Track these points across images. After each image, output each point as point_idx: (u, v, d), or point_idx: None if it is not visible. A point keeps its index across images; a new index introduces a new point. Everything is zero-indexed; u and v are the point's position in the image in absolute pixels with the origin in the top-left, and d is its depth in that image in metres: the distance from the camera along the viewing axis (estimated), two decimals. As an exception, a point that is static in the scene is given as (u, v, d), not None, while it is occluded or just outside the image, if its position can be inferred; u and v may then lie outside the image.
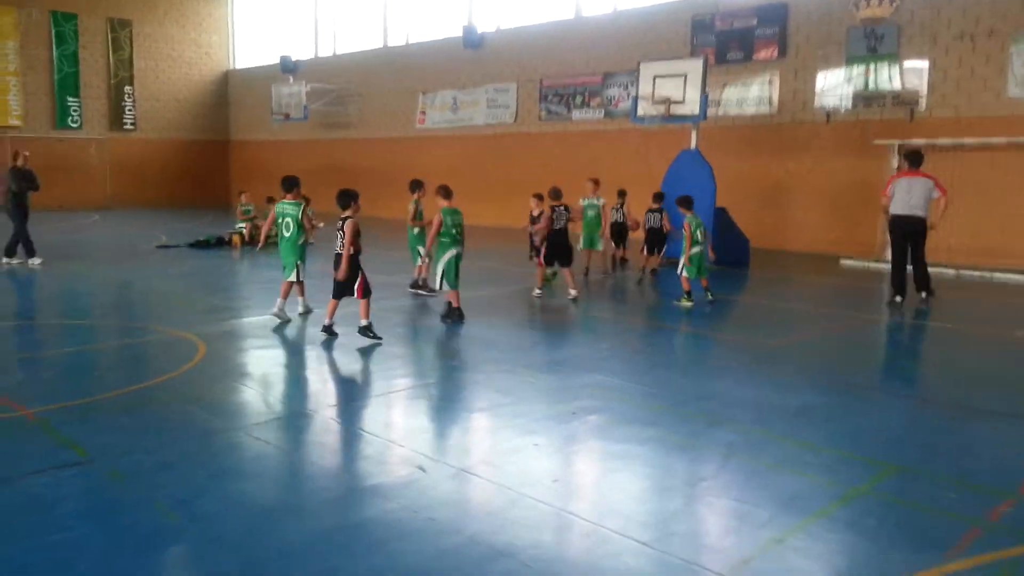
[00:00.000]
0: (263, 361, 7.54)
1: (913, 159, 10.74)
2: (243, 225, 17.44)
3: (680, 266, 10.29)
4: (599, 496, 4.38)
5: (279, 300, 9.00)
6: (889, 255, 11.21)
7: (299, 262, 9.01)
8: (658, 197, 12.92)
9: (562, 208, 10.70)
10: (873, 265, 14.20)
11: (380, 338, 7.95)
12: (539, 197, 11.52)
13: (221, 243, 17.06)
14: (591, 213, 12.85)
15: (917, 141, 14.83)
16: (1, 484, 4.43)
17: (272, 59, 30.79)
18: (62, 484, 4.44)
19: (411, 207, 11.02)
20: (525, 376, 6.82)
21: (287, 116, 28.21)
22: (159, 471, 4.66)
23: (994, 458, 5.02)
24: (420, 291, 10.74)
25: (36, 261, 13.47)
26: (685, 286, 10.22)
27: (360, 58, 27.51)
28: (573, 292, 10.47)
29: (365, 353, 7.81)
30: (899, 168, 11.62)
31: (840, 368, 7.56)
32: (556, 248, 10.55)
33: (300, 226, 8.95)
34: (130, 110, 31.06)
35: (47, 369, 7.21)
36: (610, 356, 7.71)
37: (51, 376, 6.97)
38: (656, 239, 12.73)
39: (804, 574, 3.55)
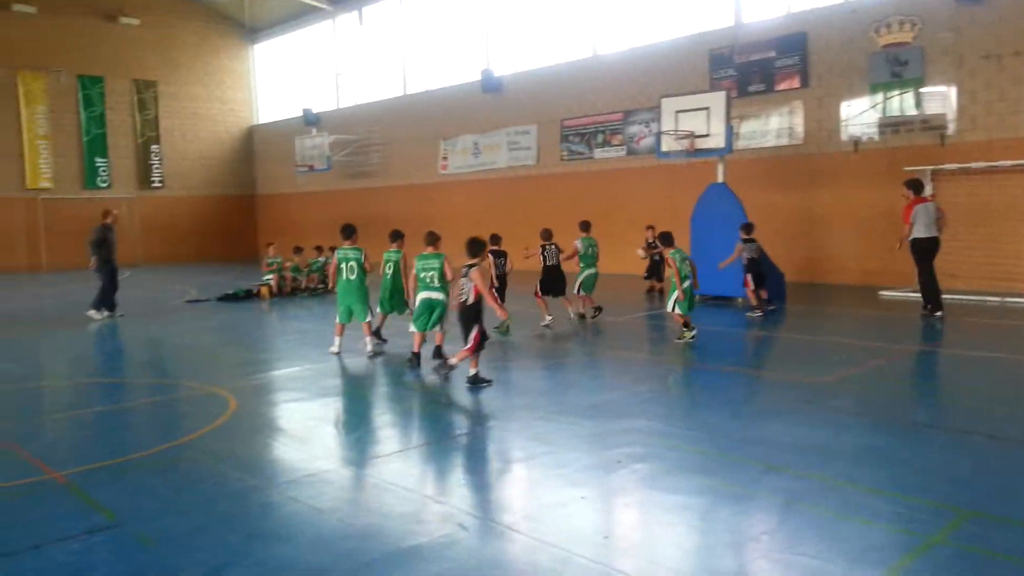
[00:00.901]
0: (295, 415, 7.37)
1: (917, 187, 12.13)
2: (270, 277, 17.44)
3: (671, 303, 10.16)
4: (655, 554, 4.09)
5: (336, 339, 9.93)
6: (919, 277, 12.22)
7: (366, 303, 9.87)
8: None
9: (552, 246, 12.23)
10: (913, 295, 13.81)
11: (490, 382, 7.95)
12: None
13: (249, 295, 17.06)
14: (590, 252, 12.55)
15: (950, 166, 14.58)
16: (32, 551, 4.27)
17: (295, 112, 31.24)
18: (92, 551, 4.27)
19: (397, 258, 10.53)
20: (562, 423, 6.57)
21: (311, 168, 28.49)
22: (191, 535, 4.47)
23: (1076, 498, 4.68)
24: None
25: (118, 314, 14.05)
26: (679, 321, 10.21)
27: (381, 107, 27.81)
28: (572, 312, 12.10)
29: (398, 403, 7.62)
30: (908, 196, 12.07)
31: (895, 404, 7.22)
32: (550, 282, 12.09)
33: (363, 269, 9.86)
34: (157, 168, 31.56)
35: (78, 429, 7.09)
36: (650, 399, 7.44)
37: (82, 437, 6.84)
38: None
39: (889, 637, 3.24)
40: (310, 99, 30.91)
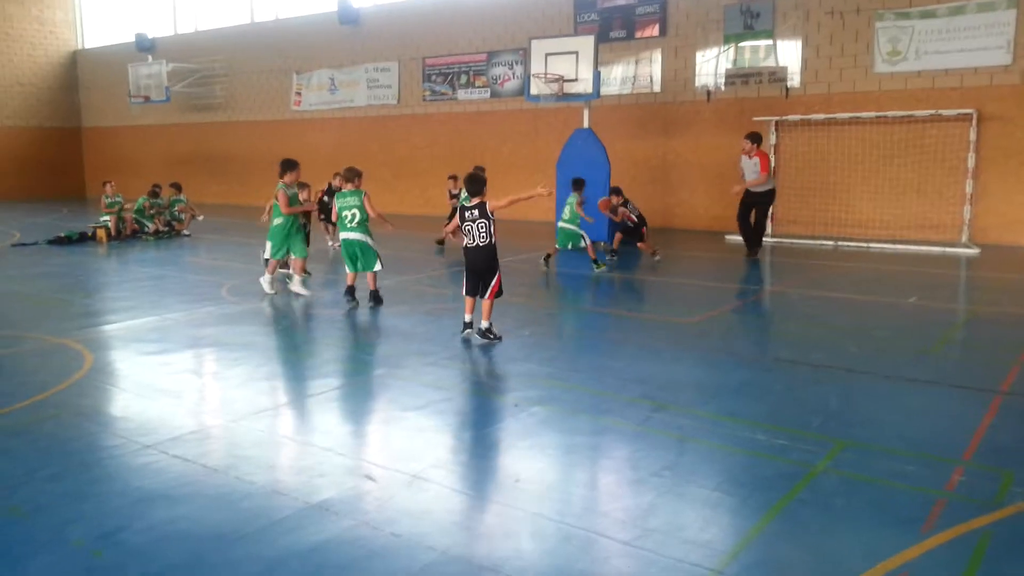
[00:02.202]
0: (162, 368, 6.88)
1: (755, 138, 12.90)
2: (108, 218, 16.07)
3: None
4: (568, 495, 4.18)
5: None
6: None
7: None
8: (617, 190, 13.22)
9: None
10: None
11: (500, 338, 7.34)
12: (454, 178, 12.23)
13: (84, 238, 15.69)
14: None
15: (792, 117, 15.53)
16: None
17: (127, 37, 28.58)
18: (-49, 529, 3.83)
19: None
20: (454, 369, 6.54)
21: (147, 99, 26.31)
22: (69, 501, 4.11)
23: (931, 426, 5.20)
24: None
25: None
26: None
27: (226, 34, 25.95)
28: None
29: (280, 353, 7.31)
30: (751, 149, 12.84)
31: (759, 343, 7.73)
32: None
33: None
34: (-36, 94, 28.11)
35: (-95, 392, 6.29)
36: (535, 343, 7.54)
37: (-88, 400, 6.08)
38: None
39: (794, 563, 3.50)
40: (143, 23, 28.35)
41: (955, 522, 3.76)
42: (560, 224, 12.17)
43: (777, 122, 15.76)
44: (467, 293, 7.47)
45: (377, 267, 9.01)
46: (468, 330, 7.42)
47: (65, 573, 3.46)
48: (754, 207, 13.09)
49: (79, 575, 3.44)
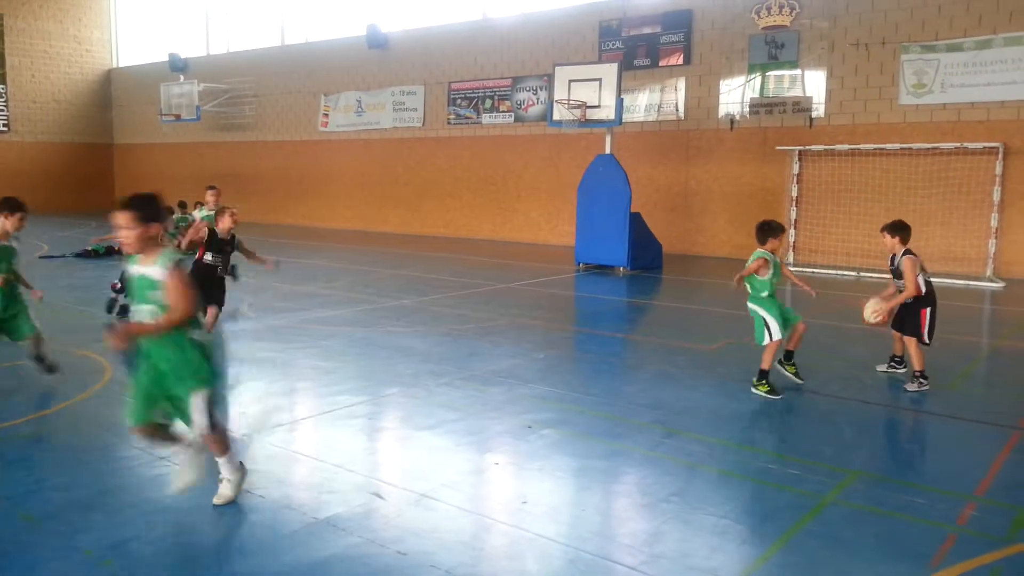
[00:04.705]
0: (181, 381, 6.97)
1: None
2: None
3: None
4: (575, 518, 4.18)
5: None
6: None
7: None
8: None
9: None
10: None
11: None
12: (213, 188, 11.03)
13: (110, 252, 15.94)
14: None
15: (816, 147, 15.51)
16: None
17: (160, 57, 29.21)
18: (-32, 533, 3.89)
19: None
20: (468, 389, 6.57)
21: (178, 117, 26.82)
22: (82, 510, 4.17)
23: (945, 459, 5.14)
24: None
25: None
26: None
27: (256, 56, 26.45)
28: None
29: (298, 369, 7.37)
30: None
31: (776, 371, 7.66)
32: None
33: None
34: (2, 110, 28.79)
35: (-70, 398, 6.42)
36: (549, 366, 7.55)
37: (-63, 406, 6.21)
38: None
39: (799, 591, 3.47)
40: (177, 43, 28.97)
41: (965, 557, 3.71)
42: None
43: (800, 152, 15.74)
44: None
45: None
46: None
47: (74, 580, 3.51)
48: None
49: (88, 583, 3.49)
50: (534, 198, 19.81)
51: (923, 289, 6.82)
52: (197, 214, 12.27)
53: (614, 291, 12.52)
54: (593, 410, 6.01)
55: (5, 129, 28.93)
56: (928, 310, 6.88)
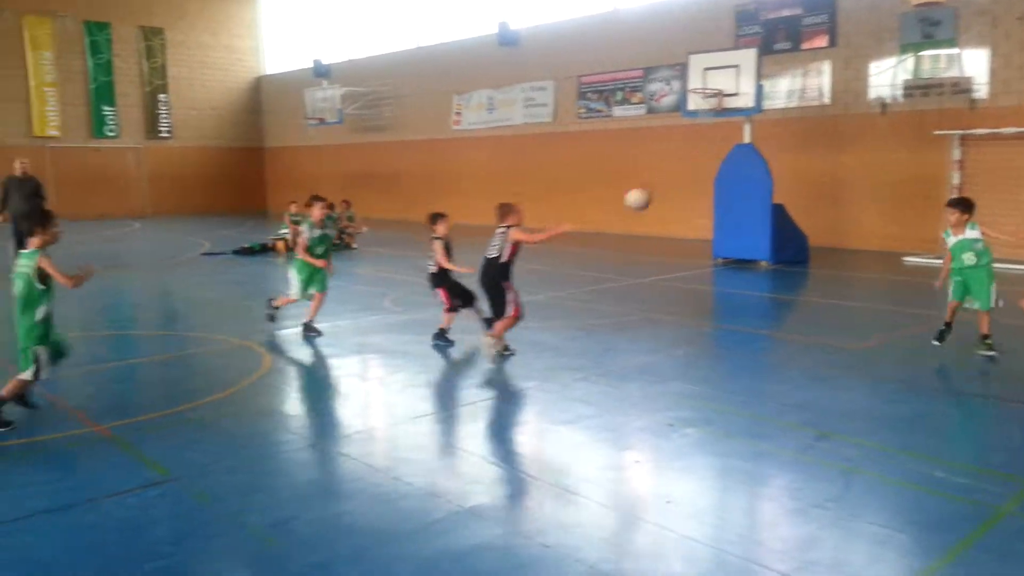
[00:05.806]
0: (334, 370, 7.32)
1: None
2: (286, 231, 17.28)
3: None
4: (722, 520, 4.05)
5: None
6: None
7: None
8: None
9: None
10: (938, 262, 13.68)
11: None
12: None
13: (265, 249, 16.95)
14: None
15: (980, 131, 14.34)
16: (89, 505, 4.23)
17: (304, 63, 30.73)
18: (150, 506, 4.24)
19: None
20: (605, 385, 6.51)
21: (322, 120, 28.12)
22: (246, 491, 4.44)
23: None
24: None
25: None
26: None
27: (393, 59, 27.35)
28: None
29: (439, 362, 7.57)
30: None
31: (939, 372, 7.15)
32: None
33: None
34: (165, 118, 31.16)
35: (114, 382, 7.04)
36: (689, 363, 7.38)
37: (120, 389, 6.80)
38: None
39: (975, 609, 3.21)
40: (320, 50, 30.39)
41: None
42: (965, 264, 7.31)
43: (962, 136, 14.60)
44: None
45: None
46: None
47: (241, 556, 3.74)
48: None
49: (253, 559, 3.71)
50: (668, 191, 19.39)
51: None
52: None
53: (755, 286, 12.09)
54: (736, 409, 5.82)
55: (168, 135, 31.30)
56: None
